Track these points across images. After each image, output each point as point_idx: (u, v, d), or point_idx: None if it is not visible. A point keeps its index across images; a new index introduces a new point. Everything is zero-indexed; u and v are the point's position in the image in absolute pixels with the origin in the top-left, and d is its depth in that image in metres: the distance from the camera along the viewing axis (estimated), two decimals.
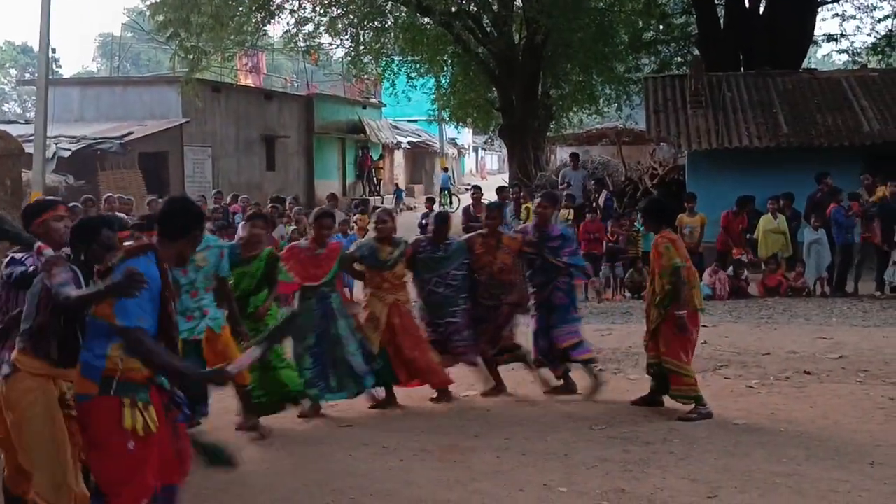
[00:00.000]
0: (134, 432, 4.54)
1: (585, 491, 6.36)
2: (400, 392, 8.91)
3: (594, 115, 33.19)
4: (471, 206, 17.48)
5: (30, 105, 60.84)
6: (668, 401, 8.51)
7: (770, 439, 7.50)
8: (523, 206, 16.83)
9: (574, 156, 22.75)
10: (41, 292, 4.96)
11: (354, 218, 18.46)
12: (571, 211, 18.59)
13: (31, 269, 5.32)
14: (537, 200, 9.52)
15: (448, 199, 37.96)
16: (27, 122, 31.56)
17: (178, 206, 4.98)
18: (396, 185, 43.51)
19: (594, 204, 20.01)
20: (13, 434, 5.06)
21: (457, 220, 20.22)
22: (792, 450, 7.20)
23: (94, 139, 26.69)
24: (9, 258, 5.52)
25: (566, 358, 9.08)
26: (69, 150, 25.88)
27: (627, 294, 16.91)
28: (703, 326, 12.81)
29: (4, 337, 5.36)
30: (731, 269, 16.51)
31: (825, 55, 63.42)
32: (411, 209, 37.48)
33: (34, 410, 4.94)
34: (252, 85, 38.71)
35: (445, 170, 45.09)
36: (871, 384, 9.42)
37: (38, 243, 5.45)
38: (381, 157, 43.68)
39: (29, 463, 5.02)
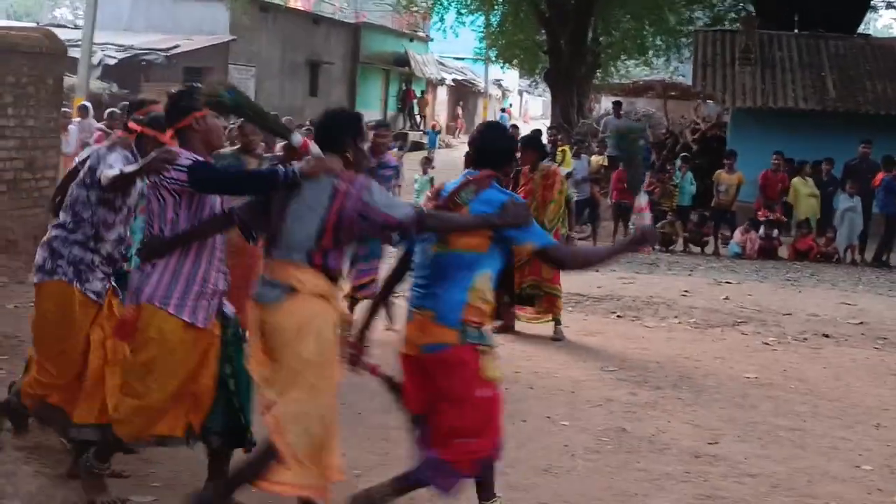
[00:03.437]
0: (493, 382, 4.24)
1: (587, 427, 6.42)
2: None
3: (641, 66, 32.84)
4: None
5: (81, 11, 60.66)
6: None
7: (778, 394, 7.51)
8: (559, 150, 16.77)
9: (616, 104, 22.59)
10: (334, 204, 4.10)
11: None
12: (606, 157, 18.46)
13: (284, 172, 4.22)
14: (374, 130, 9.00)
15: None
16: (76, 27, 31.59)
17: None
18: (433, 126, 39.36)
19: None
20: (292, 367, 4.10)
21: None
22: (799, 406, 7.22)
23: (141, 49, 26.80)
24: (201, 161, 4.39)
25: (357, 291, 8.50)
26: (115, 58, 26.05)
27: (657, 246, 16.79)
28: (727, 283, 12.92)
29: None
30: (762, 229, 16.37)
31: (885, 25, 62.28)
32: (449, 147, 37.36)
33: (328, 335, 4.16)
34: (301, 8, 38.51)
35: (504, 111, 44.63)
36: (888, 351, 9.38)
37: (304, 138, 4.44)
38: (424, 92, 43.43)
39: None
